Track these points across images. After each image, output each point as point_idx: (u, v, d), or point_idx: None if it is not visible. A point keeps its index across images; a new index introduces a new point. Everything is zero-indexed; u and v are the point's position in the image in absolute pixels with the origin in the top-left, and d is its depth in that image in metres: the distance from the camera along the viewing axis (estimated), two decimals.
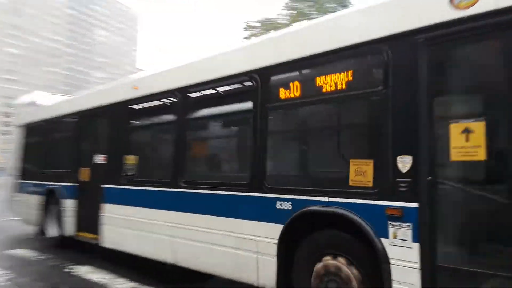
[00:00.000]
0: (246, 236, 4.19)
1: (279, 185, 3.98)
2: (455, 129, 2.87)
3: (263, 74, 4.18)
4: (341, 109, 3.68)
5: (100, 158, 6.61)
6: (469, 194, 2.88)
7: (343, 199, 3.44)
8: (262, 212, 4.05)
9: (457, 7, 2.92)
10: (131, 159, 5.96)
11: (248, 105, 4.30)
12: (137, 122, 6.23)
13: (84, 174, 6.94)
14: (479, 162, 2.78)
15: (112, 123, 6.45)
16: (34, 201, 8.12)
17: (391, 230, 3.12)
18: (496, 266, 2.71)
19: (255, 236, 4.11)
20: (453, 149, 2.88)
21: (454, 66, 3.12)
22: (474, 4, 2.85)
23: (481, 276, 2.73)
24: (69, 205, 7.10)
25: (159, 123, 5.98)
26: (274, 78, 4.13)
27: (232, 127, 5.14)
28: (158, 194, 5.31)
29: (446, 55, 3.06)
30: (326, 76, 3.65)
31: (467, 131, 2.83)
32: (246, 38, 22.65)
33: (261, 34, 13.18)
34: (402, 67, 3.16)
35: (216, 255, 4.48)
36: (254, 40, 6.19)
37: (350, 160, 3.44)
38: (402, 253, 3.05)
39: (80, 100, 7.61)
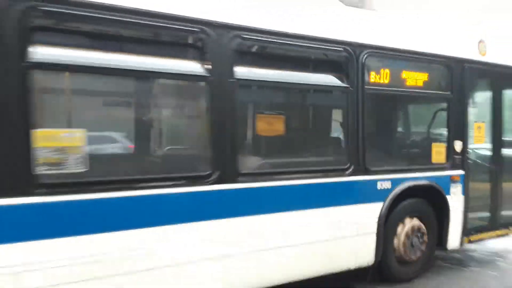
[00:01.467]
0: (346, 223, 3.99)
1: (379, 167, 4.19)
2: (476, 125, 4.96)
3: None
4: (424, 105, 4.59)
5: None
6: (479, 164, 5.09)
7: (427, 173, 4.53)
8: (362, 194, 4.08)
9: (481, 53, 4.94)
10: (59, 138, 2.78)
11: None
12: None
13: None
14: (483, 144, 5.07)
15: None
16: None
17: (452, 190, 4.73)
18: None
19: (356, 220, 4.05)
20: (474, 137, 4.96)
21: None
22: (485, 53, 4.98)
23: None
24: None
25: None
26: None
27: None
28: (165, 200, 3.13)
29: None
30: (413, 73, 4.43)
31: (479, 127, 5.00)
32: None
33: None
34: (457, 82, 4.73)
35: (300, 257, 3.75)
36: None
37: (432, 144, 4.57)
38: (456, 203, 4.77)
39: None
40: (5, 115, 2.56)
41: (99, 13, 2.81)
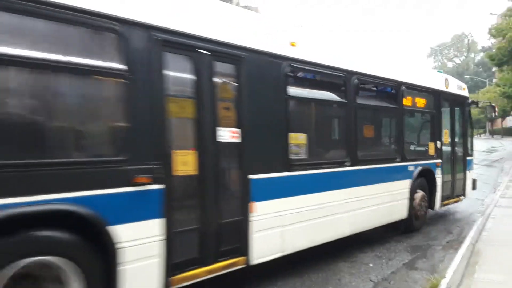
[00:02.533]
0: (397, 191, 6.50)
1: (410, 157, 6.79)
2: (445, 131, 7.92)
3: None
4: (423, 118, 7.37)
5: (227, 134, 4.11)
6: (445, 155, 8.02)
7: (427, 161, 7.28)
8: (403, 174, 6.65)
9: (446, 87, 7.92)
10: (297, 138, 4.80)
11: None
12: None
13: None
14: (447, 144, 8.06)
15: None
16: None
17: (437, 171, 7.56)
18: None
19: (400, 189, 6.60)
20: (444, 139, 7.90)
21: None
22: (448, 87, 7.98)
23: None
24: None
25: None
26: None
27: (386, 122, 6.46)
28: (334, 175, 5.32)
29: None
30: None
31: (446, 132, 7.98)
32: None
33: None
34: (436, 104, 7.61)
35: (379, 211, 6.14)
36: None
37: (429, 143, 7.35)
38: (439, 180, 7.61)
39: None
40: (278, 125, 4.52)
41: (307, 66, 4.93)
